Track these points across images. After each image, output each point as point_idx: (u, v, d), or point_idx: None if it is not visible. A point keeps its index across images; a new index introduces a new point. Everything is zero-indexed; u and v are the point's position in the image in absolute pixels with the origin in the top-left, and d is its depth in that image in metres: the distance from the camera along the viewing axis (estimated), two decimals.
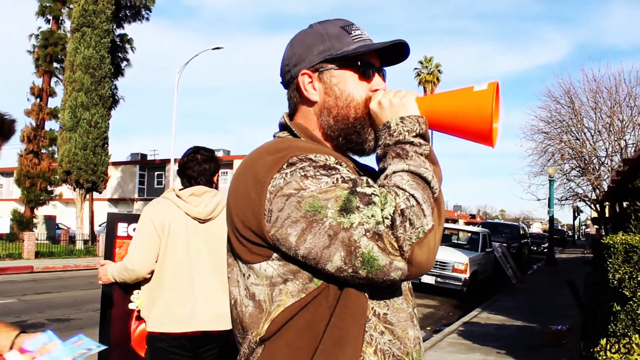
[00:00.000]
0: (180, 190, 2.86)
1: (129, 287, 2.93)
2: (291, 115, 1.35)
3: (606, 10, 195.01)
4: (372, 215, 1.02)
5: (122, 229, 3.16)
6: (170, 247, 2.73)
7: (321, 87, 1.27)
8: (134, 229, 3.03)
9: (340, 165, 1.13)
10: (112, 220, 3.20)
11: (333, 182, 1.07)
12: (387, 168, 1.14)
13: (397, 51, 1.31)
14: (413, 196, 1.05)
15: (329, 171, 1.09)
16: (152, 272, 2.75)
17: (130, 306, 3.01)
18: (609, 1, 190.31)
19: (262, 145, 1.22)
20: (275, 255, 1.12)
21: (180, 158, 3.00)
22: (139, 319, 2.94)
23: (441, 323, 9.50)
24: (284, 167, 1.10)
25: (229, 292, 1.25)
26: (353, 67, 1.27)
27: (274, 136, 1.33)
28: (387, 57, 1.34)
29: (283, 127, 1.32)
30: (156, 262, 2.74)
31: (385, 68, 1.36)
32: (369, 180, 1.10)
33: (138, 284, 2.83)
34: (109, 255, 3.11)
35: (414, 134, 1.16)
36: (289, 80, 1.32)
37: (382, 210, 1.03)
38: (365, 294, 1.13)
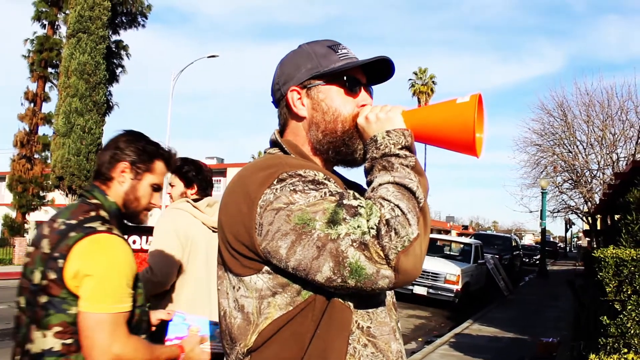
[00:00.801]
0: (194, 200, 2.86)
1: None
2: (281, 131, 1.39)
3: (599, 24, 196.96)
4: (358, 226, 1.06)
5: None
6: (192, 259, 2.74)
7: (309, 102, 1.32)
8: (134, 241, 3.02)
9: (329, 180, 1.18)
10: None
11: (321, 196, 1.11)
12: (373, 180, 1.17)
13: (383, 69, 1.36)
14: (398, 206, 1.08)
15: (317, 186, 1.13)
16: (172, 284, 2.72)
17: None
18: (602, 15, 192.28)
19: (254, 161, 1.28)
20: (265, 268, 1.16)
21: (183, 163, 2.94)
22: None
23: (433, 334, 9.49)
24: (275, 182, 1.14)
25: (219, 303, 1.28)
26: (339, 83, 1.31)
27: (265, 152, 1.37)
28: (374, 76, 1.39)
29: (274, 143, 1.37)
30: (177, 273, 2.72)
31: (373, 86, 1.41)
32: (355, 193, 1.13)
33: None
34: None
35: (400, 146, 1.20)
36: (279, 98, 1.37)
37: (367, 221, 1.06)
38: (350, 307, 1.17)
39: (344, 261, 1.05)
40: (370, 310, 1.21)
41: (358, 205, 1.09)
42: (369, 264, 1.05)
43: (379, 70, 1.36)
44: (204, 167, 2.97)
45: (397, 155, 1.19)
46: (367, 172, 1.22)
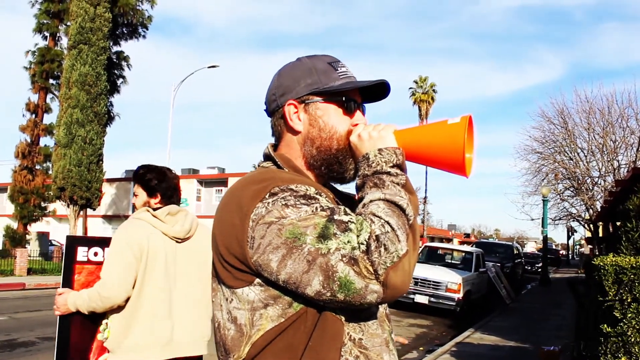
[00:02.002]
0: (155, 209, 2.73)
1: (96, 318, 2.70)
2: (275, 143, 1.41)
3: (599, 31, 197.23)
4: (348, 241, 1.07)
5: (82, 253, 2.88)
6: (149, 271, 2.61)
7: (306, 118, 1.34)
8: (95, 254, 2.87)
9: (320, 195, 1.19)
10: (71, 244, 2.90)
11: (312, 211, 1.12)
12: (365, 197, 1.19)
13: (378, 90, 1.40)
14: (388, 223, 1.10)
15: (309, 200, 1.15)
16: (127, 299, 2.58)
17: (99, 337, 2.75)
18: (602, 22, 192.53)
19: (247, 175, 1.29)
20: (257, 280, 1.18)
21: (145, 171, 2.84)
22: (102, 351, 2.75)
23: (434, 343, 9.45)
24: (267, 196, 1.15)
25: (213, 315, 1.30)
26: (338, 102, 1.34)
27: (259, 165, 1.39)
28: (369, 95, 1.42)
29: (267, 157, 1.38)
30: (133, 287, 2.58)
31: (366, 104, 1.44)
32: (347, 209, 1.16)
33: (104, 313, 2.64)
34: (68, 282, 2.82)
35: (391, 164, 1.22)
36: (274, 109, 1.38)
37: (358, 236, 1.08)
38: (342, 319, 1.19)
39: (333, 275, 1.07)
40: (362, 322, 1.22)
41: (349, 220, 1.10)
42: (358, 279, 1.06)
43: (374, 90, 1.40)
44: (169, 175, 2.85)
45: (389, 173, 1.21)
46: (359, 188, 1.24)
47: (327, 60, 1.37)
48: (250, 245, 1.14)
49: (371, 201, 1.16)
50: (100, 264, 2.79)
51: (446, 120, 1.29)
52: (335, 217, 1.11)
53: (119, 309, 2.60)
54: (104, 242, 2.91)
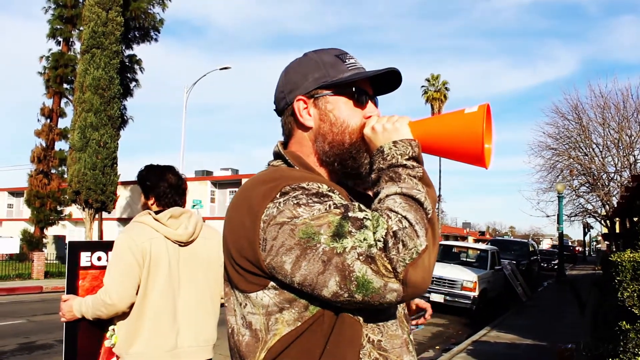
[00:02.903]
0: (156, 212, 2.67)
1: (103, 323, 2.66)
2: (285, 141, 1.37)
3: (613, 25, 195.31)
4: (365, 239, 1.03)
5: (85, 258, 2.83)
6: (152, 276, 2.55)
7: (316, 113, 1.30)
8: (99, 258, 2.83)
9: (333, 192, 1.15)
10: (74, 249, 2.84)
11: (325, 209, 1.08)
12: (380, 192, 1.14)
13: (390, 80, 1.35)
14: (405, 218, 1.05)
15: (322, 198, 1.11)
16: (131, 305, 2.54)
17: (106, 344, 2.72)
18: (615, 16, 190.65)
19: (257, 175, 1.25)
20: (271, 284, 1.14)
21: (143, 172, 2.78)
22: (111, 356, 2.73)
23: (450, 342, 9.41)
24: (277, 196, 1.11)
25: (227, 320, 1.26)
26: (348, 94, 1.29)
27: (269, 164, 1.35)
28: (380, 86, 1.37)
29: (277, 155, 1.34)
30: (137, 293, 2.54)
31: (378, 96, 1.40)
32: (361, 205, 1.11)
33: (111, 319, 2.61)
34: (72, 288, 2.78)
35: (407, 157, 1.17)
36: (283, 107, 1.34)
37: (374, 233, 1.04)
38: (360, 321, 1.15)
39: (350, 275, 1.03)
40: (380, 323, 1.18)
41: (364, 217, 1.06)
42: (376, 278, 1.02)
43: (385, 81, 1.35)
44: (169, 175, 2.74)
45: (404, 166, 1.15)
46: (374, 183, 1.19)
47: (335, 53, 1.33)
48: (263, 248, 1.10)
49: (387, 196, 1.11)
50: (104, 268, 2.75)
51: (463, 109, 1.24)
52: (350, 214, 1.07)
53: (124, 315, 2.56)
54: (107, 246, 2.86)
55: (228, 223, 1.21)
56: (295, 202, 1.09)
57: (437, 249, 1.10)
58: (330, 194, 1.13)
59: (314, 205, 1.09)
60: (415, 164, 1.17)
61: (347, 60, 1.31)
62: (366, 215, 1.07)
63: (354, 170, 1.31)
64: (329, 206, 1.09)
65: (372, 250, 1.02)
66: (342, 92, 1.29)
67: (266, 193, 1.13)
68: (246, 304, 1.18)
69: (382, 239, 1.03)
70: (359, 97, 1.30)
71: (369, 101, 1.33)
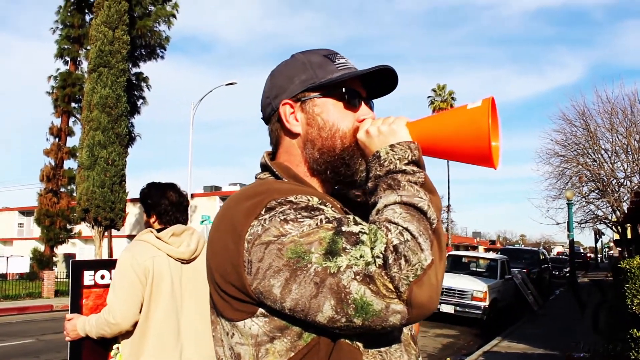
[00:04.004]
0: (158, 230, 2.67)
1: (107, 342, 2.66)
2: (273, 151, 1.27)
3: (619, 30, 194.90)
4: (361, 256, 0.92)
5: (88, 277, 2.84)
6: (155, 294, 2.54)
7: (303, 117, 1.19)
8: (102, 276, 2.84)
9: (325, 205, 1.04)
10: (77, 268, 2.85)
11: (316, 224, 0.97)
12: (378, 202, 1.03)
13: (385, 81, 1.24)
14: (407, 229, 0.94)
15: (312, 212, 1.00)
16: (135, 324, 2.54)
17: None
18: (622, 21, 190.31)
19: (240, 189, 1.14)
20: (260, 311, 1.03)
21: (145, 190, 2.78)
22: None
23: (461, 353, 9.32)
24: (262, 212, 1.01)
25: (215, 351, 1.15)
26: (337, 95, 1.18)
27: (256, 177, 1.24)
28: (376, 89, 1.26)
29: (264, 167, 1.23)
30: (140, 312, 2.54)
31: (374, 100, 1.29)
32: (357, 218, 1.00)
33: (115, 337, 2.61)
34: (76, 307, 2.79)
35: (406, 161, 1.05)
36: (269, 113, 1.24)
37: (372, 249, 0.93)
38: (360, 348, 1.04)
39: (347, 298, 0.92)
40: (382, 349, 1.06)
41: (359, 231, 0.95)
42: (377, 299, 0.91)
43: (380, 82, 1.23)
44: (169, 193, 2.74)
45: (404, 172, 1.04)
46: (371, 192, 1.07)
47: (323, 53, 1.22)
48: (248, 271, 0.99)
49: (386, 206, 1.00)
50: (107, 286, 2.75)
51: (465, 105, 1.12)
52: (344, 228, 0.96)
53: (127, 334, 2.56)
54: (110, 265, 2.87)
55: (210, 246, 1.10)
56: (282, 218, 0.99)
57: (445, 263, 0.99)
58: (321, 207, 1.03)
59: (303, 220, 0.98)
60: (415, 168, 1.05)
61: (336, 60, 1.20)
62: (362, 229, 0.96)
63: (349, 178, 1.19)
64: (320, 221, 0.98)
65: (370, 269, 0.91)
66: (331, 93, 1.18)
67: (250, 209, 1.02)
68: (234, 334, 1.07)
69: (381, 255, 0.92)
70: (349, 98, 1.19)
71: (362, 103, 1.21)
